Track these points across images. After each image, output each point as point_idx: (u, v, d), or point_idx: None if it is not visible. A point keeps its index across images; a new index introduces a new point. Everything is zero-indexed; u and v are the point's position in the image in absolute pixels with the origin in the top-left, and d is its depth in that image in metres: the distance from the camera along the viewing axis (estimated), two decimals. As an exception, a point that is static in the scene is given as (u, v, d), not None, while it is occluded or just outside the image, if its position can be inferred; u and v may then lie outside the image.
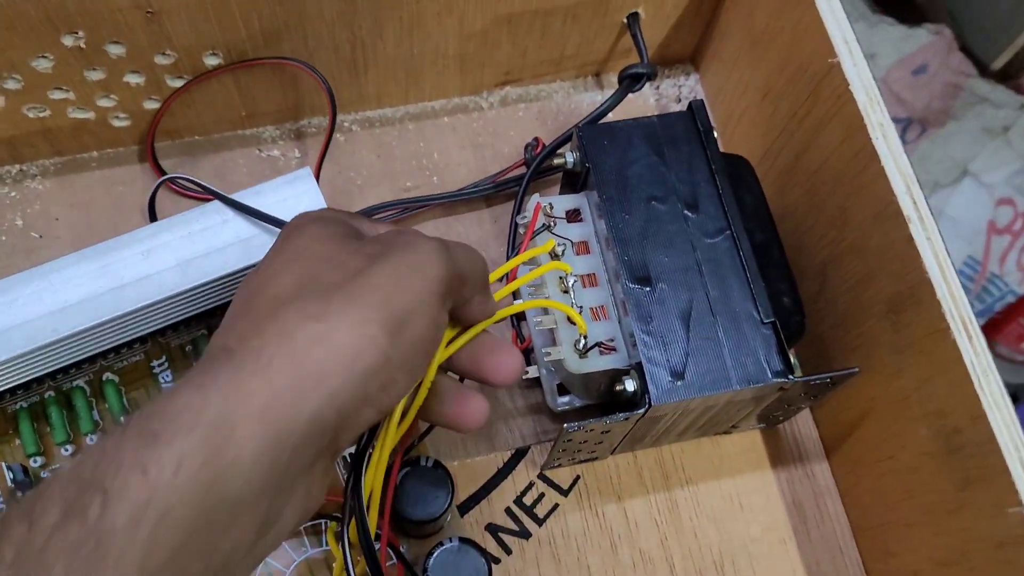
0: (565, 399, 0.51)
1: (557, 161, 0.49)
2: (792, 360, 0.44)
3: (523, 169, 0.57)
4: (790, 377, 0.43)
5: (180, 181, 0.54)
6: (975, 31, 1.05)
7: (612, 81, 0.62)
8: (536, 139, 0.56)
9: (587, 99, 0.61)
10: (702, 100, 0.48)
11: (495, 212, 0.58)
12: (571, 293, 0.45)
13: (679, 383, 0.43)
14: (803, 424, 0.54)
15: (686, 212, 0.46)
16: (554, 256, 0.45)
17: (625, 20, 0.57)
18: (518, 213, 0.54)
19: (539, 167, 0.55)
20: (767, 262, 0.47)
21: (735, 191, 0.47)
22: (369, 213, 0.55)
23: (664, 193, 0.46)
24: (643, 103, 0.61)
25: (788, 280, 0.47)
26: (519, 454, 0.52)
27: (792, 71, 0.50)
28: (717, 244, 0.45)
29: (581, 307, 0.45)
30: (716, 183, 0.47)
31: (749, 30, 0.54)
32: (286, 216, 0.47)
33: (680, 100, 0.62)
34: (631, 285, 0.44)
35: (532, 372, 0.52)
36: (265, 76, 0.53)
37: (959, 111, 1.05)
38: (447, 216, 0.57)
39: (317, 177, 0.52)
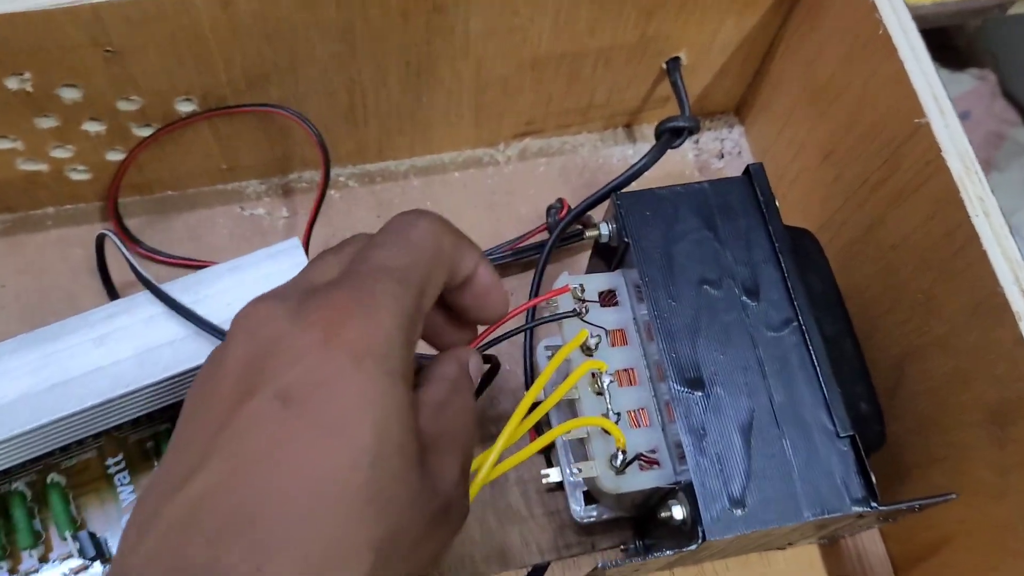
0: (592, 508, 0.43)
1: (590, 234, 0.41)
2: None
3: (545, 234, 0.49)
4: (873, 506, 0.36)
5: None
6: (1020, 77, 0.98)
7: (645, 133, 0.55)
8: (560, 200, 0.49)
9: (617, 153, 0.54)
10: (760, 164, 0.41)
11: (511, 284, 0.50)
12: (606, 395, 0.37)
13: (738, 512, 0.35)
14: (868, 539, 0.47)
15: (744, 299, 0.38)
16: (586, 351, 0.38)
17: (664, 66, 0.49)
18: (540, 288, 0.46)
19: (564, 233, 0.47)
20: (839, 359, 0.39)
21: (801, 273, 0.39)
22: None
23: (718, 276, 0.39)
24: (680, 159, 0.54)
25: (865, 381, 0.40)
26: (537, 572, 0.44)
27: (863, 131, 0.43)
28: (782, 338, 0.38)
29: (619, 413, 0.37)
30: (780, 264, 0.39)
31: (807, 81, 0.47)
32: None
33: (723, 156, 0.55)
34: (679, 388, 0.37)
35: (554, 476, 0.45)
36: (249, 125, 0.46)
37: (1002, 161, 0.98)
38: (456, 286, 0.50)
39: (307, 243, 0.45)
